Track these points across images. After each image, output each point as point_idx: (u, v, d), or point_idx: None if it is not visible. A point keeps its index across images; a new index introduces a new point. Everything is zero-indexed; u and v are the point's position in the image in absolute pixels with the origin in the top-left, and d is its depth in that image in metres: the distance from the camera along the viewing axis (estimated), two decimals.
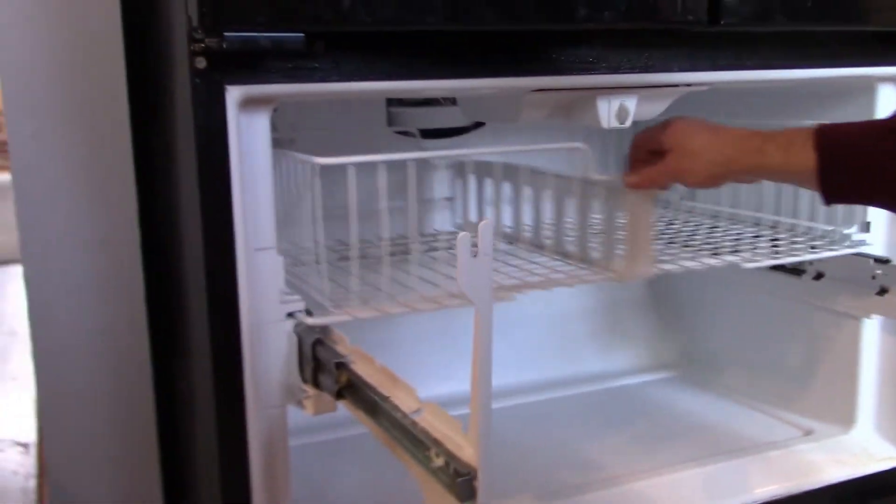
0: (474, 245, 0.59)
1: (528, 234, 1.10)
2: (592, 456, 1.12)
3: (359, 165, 0.83)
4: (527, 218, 1.09)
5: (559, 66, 0.86)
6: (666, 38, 0.90)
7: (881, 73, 1.05)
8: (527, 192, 1.08)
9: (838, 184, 0.82)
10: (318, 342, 0.82)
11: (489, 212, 1.18)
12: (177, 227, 0.93)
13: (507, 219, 1.15)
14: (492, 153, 0.88)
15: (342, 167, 0.83)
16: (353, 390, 0.77)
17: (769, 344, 1.29)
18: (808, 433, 1.17)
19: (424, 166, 1.25)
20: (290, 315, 0.85)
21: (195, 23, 0.71)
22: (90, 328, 0.99)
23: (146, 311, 1.02)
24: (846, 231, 1.11)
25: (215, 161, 0.78)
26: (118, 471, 1.03)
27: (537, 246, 1.08)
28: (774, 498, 1.04)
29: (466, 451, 0.62)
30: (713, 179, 0.90)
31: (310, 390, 0.83)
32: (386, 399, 0.70)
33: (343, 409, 1.18)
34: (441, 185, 1.28)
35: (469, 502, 0.60)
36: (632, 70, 0.90)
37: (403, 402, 0.69)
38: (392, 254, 0.99)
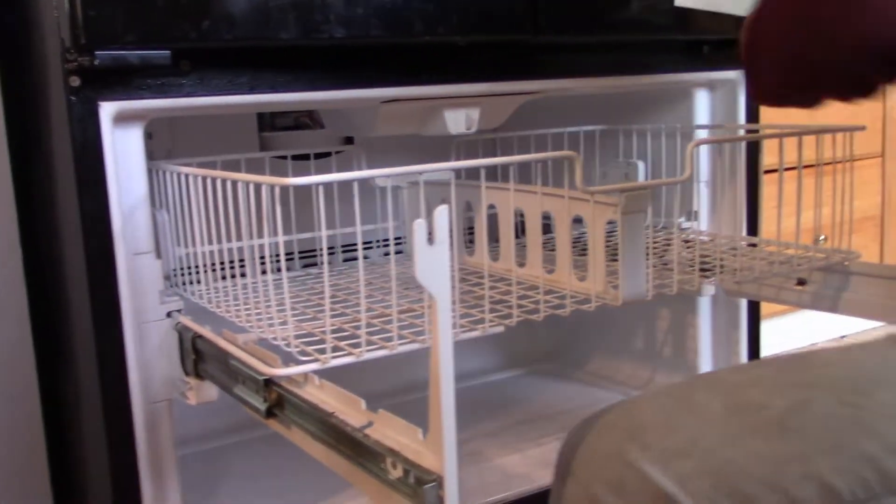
0: (430, 232, 0.56)
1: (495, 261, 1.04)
2: (463, 440, 1.21)
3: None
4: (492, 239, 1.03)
5: (406, 78, 0.97)
6: (499, 51, 1.01)
7: (695, 79, 1.20)
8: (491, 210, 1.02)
9: None
10: (197, 336, 0.89)
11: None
12: (58, 243, 0.98)
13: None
14: (475, 165, 0.80)
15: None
16: (285, 408, 0.73)
17: (622, 331, 1.42)
18: None
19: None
20: (169, 314, 0.92)
21: (68, 43, 0.78)
22: None
23: (30, 325, 1.07)
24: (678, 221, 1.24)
25: (92, 173, 0.84)
26: (8, 480, 1.07)
27: (507, 270, 1.00)
28: None
29: (428, 458, 0.58)
30: None
31: (191, 381, 0.90)
32: (330, 415, 0.66)
33: (224, 416, 1.24)
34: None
35: None
36: (472, 80, 1.01)
37: (351, 417, 0.65)
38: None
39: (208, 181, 0.85)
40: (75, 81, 0.81)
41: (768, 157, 1.39)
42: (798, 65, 0.55)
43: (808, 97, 0.59)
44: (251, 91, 0.89)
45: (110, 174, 0.85)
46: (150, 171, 0.95)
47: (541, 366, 1.55)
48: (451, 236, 1.07)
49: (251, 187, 0.76)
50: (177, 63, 0.83)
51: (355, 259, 1.26)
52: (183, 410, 0.98)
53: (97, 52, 0.78)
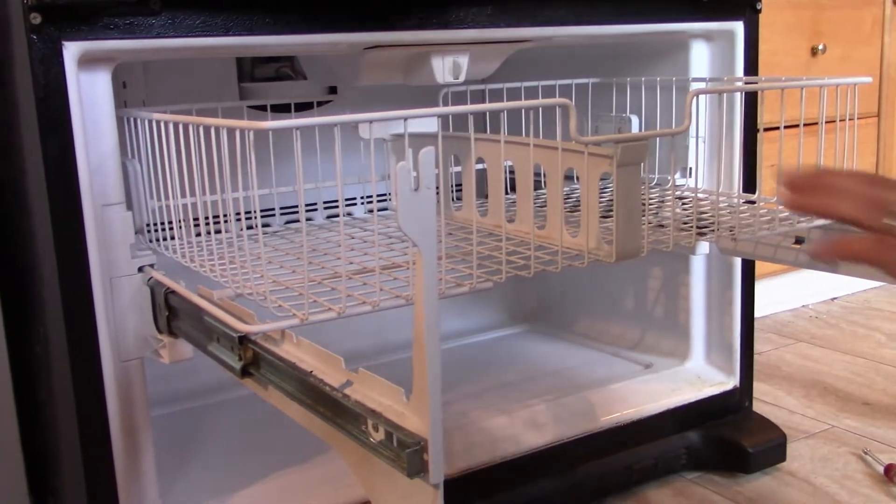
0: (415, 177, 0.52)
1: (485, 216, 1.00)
2: (448, 401, 1.18)
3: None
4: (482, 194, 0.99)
5: (390, 22, 0.92)
6: None
7: (692, 30, 1.15)
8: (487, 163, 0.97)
9: None
10: (170, 292, 0.84)
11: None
12: (24, 194, 0.93)
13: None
14: (463, 111, 0.75)
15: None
16: (261, 367, 0.69)
17: (612, 290, 1.38)
18: (647, 367, 1.27)
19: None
20: (141, 269, 0.88)
21: None
22: None
23: None
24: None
25: (56, 118, 0.79)
26: None
27: (496, 226, 0.97)
28: (618, 424, 1.13)
29: (411, 421, 0.54)
30: None
31: (165, 339, 0.86)
32: (308, 374, 0.63)
33: (200, 376, 1.21)
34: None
35: (420, 476, 0.52)
36: (460, 26, 0.96)
37: (329, 376, 0.62)
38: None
39: (180, 127, 0.80)
40: (36, 18, 0.76)
41: (766, 116, 1.35)
42: None
43: None
44: (226, 33, 0.84)
45: (76, 119, 0.80)
46: (121, 120, 0.90)
47: (529, 326, 1.52)
48: (438, 186, 1.01)
49: (224, 132, 0.72)
50: (146, 1, 0.78)
51: (339, 216, 1.22)
52: (157, 370, 0.94)
53: None
